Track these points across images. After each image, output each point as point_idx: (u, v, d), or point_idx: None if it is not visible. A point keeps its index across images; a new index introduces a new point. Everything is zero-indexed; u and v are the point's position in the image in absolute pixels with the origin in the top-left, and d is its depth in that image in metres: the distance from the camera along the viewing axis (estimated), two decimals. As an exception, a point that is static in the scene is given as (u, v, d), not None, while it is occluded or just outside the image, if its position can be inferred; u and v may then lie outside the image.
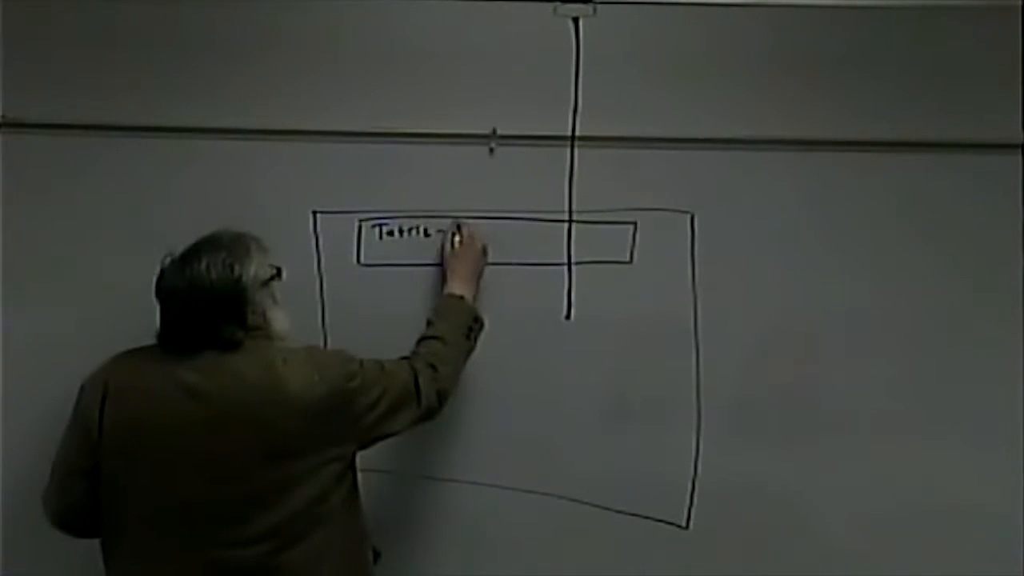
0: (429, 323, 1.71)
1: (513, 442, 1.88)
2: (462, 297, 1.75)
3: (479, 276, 1.81)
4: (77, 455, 1.51)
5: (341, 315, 1.83)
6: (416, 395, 1.59)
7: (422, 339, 1.68)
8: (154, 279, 1.52)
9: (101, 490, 1.50)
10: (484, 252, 1.82)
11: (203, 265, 1.49)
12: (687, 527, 1.90)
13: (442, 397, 1.64)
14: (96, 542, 1.57)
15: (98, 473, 1.49)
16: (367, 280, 1.84)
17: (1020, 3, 1.78)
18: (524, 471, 1.88)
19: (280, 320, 1.57)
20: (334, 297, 1.84)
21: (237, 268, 1.50)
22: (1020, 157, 1.85)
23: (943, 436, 1.89)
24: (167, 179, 1.82)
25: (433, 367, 1.63)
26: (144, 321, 1.69)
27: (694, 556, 1.89)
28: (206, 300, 1.48)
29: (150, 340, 1.59)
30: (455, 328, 1.71)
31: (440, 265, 1.83)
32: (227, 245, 1.53)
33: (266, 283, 1.55)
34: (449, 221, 1.84)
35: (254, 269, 1.53)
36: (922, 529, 1.89)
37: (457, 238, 1.81)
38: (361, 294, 1.84)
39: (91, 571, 1.77)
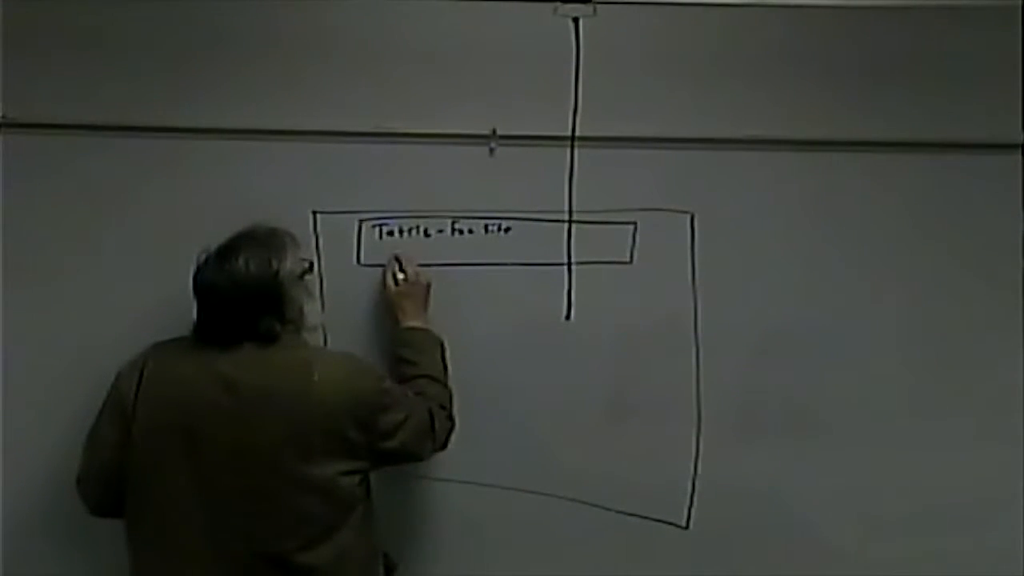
0: (408, 361, 1.68)
1: (513, 442, 1.88)
2: (426, 329, 1.73)
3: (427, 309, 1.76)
4: (111, 433, 1.53)
5: (341, 315, 1.83)
6: (432, 434, 1.62)
7: (415, 376, 1.66)
8: (191, 274, 1.54)
9: (130, 469, 1.50)
10: (428, 288, 1.77)
11: (241, 260, 1.52)
12: (687, 527, 1.90)
13: (448, 440, 1.67)
14: (95, 543, 1.57)
15: (130, 451, 1.50)
16: (367, 280, 1.84)
17: (1020, 3, 1.78)
18: (524, 471, 1.88)
19: (314, 314, 1.62)
20: (334, 297, 1.83)
21: (275, 263, 1.54)
22: (1020, 157, 1.85)
23: (943, 436, 1.89)
24: (167, 179, 1.81)
25: (444, 408, 1.65)
26: (144, 319, 1.71)
27: (694, 556, 1.89)
28: (246, 295, 1.51)
29: (151, 337, 1.60)
30: (438, 363, 1.70)
31: (436, 265, 1.82)
32: (264, 240, 1.56)
33: (300, 277, 1.59)
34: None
35: (290, 263, 1.56)
36: (922, 529, 1.89)
37: (400, 275, 1.76)
38: (361, 294, 1.84)
39: (91, 571, 1.79)
